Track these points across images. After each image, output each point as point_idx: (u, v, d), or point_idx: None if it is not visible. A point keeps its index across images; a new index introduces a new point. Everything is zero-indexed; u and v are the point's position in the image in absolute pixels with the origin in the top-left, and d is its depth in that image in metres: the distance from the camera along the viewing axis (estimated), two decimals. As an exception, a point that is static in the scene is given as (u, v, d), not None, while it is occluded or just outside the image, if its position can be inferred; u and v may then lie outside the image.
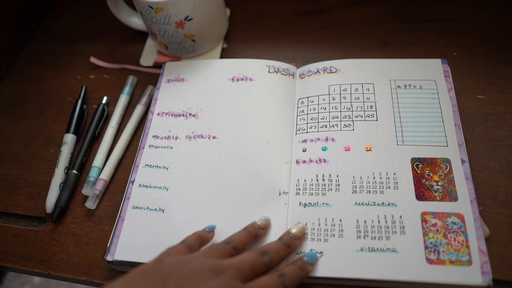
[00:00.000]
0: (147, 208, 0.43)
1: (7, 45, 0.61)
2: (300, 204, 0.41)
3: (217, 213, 0.41)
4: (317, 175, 0.42)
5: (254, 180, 0.43)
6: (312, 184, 0.42)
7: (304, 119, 0.46)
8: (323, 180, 0.42)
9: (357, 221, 0.39)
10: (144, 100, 0.52)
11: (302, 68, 0.51)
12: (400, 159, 0.41)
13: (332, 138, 0.44)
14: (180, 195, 0.43)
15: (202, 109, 0.49)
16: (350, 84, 0.47)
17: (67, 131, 0.51)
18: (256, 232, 0.39)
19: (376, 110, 0.45)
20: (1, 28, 0.60)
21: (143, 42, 0.60)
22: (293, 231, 0.38)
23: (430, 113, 0.44)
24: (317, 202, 0.41)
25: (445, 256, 0.36)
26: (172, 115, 0.49)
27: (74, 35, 0.64)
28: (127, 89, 0.54)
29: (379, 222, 0.38)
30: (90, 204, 0.45)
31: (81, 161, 0.49)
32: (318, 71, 0.49)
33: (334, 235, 0.38)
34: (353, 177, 0.41)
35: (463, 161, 0.40)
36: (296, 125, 0.47)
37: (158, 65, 0.56)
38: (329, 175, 0.42)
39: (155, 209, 0.43)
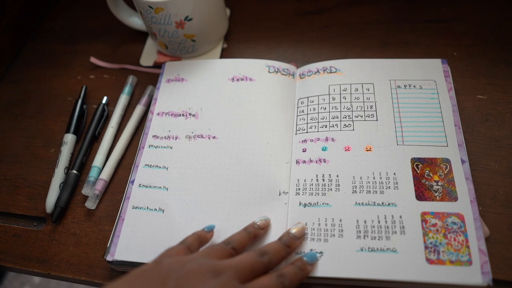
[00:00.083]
0: (147, 208, 0.43)
1: (7, 45, 0.61)
2: (300, 204, 0.41)
3: (217, 213, 0.41)
4: (317, 175, 0.42)
5: (254, 180, 0.43)
6: (312, 184, 0.42)
7: (304, 119, 0.46)
8: (323, 180, 0.42)
9: (357, 221, 0.39)
10: (144, 100, 0.52)
11: (302, 68, 0.51)
12: (400, 159, 0.41)
13: (332, 138, 0.44)
14: (180, 195, 0.43)
15: (202, 109, 0.49)
16: (350, 84, 0.47)
17: (67, 131, 0.51)
18: (255, 232, 0.38)
19: (376, 110, 0.45)
20: (1, 28, 0.60)
21: (143, 42, 0.60)
22: (293, 231, 0.38)
23: (430, 113, 0.44)
24: (317, 202, 0.41)
25: (445, 256, 0.36)
26: (172, 115, 0.49)
27: (74, 35, 0.64)
28: (127, 89, 0.54)
29: (379, 222, 0.38)
30: (90, 204, 0.45)
31: (81, 161, 0.49)
32: (318, 71, 0.49)
33: (334, 235, 0.38)
34: (353, 177, 0.41)
35: (463, 161, 0.40)
36: (296, 125, 0.47)
37: (158, 65, 0.56)
38: (329, 175, 0.42)
39: (155, 209, 0.43)
